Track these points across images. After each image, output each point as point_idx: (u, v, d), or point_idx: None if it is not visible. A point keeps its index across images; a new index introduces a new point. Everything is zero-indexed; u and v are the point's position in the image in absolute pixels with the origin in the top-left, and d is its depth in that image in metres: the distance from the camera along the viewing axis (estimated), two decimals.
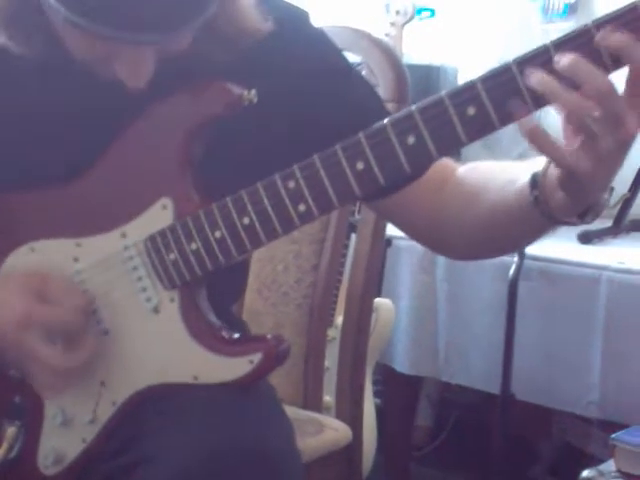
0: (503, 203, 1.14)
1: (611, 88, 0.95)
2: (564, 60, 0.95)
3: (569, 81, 0.95)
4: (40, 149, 1.23)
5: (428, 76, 2.61)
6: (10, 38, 1.14)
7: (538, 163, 1.07)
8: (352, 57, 1.84)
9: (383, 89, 1.71)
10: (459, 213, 1.22)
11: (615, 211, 2.49)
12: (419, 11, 2.92)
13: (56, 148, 1.22)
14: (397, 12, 2.48)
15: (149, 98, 1.17)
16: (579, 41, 0.94)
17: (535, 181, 1.07)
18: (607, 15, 0.94)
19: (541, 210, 1.08)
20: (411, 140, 1.03)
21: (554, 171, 1.04)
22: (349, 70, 1.30)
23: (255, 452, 1.10)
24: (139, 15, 1.04)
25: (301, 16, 1.29)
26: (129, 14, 1.04)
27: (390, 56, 1.74)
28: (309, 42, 1.27)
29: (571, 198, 1.04)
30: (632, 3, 0.92)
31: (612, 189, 2.50)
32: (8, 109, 1.23)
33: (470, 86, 0.99)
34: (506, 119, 0.99)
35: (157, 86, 1.15)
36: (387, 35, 2.47)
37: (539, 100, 0.97)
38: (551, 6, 2.80)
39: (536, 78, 0.96)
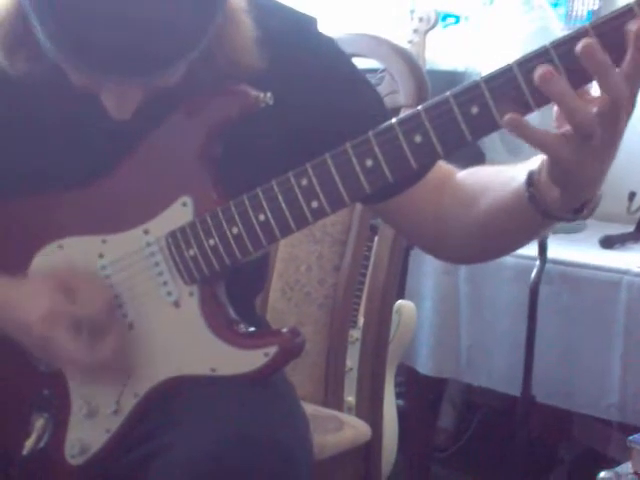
0: (501, 203, 1.16)
1: (625, 90, 0.97)
2: (585, 43, 0.96)
3: (575, 76, 0.98)
4: (68, 153, 1.27)
5: (452, 81, 2.63)
6: (12, 64, 1.17)
7: (534, 162, 1.10)
8: (373, 64, 1.87)
9: (404, 95, 1.74)
10: (459, 215, 1.24)
11: (637, 216, 2.50)
12: (444, 17, 2.94)
13: (83, 151, 1.26)
14: (420, 19, 2.50)
15: (172, 98, 1.19)
16: (577, 42, 0.97)
17: (531, 179, 1.10)
18: (603, 17, 0.97)
19: (537, 207, 1.10)
20: (418, 138, 1.06)
21: (548, 167, 1.06)
22: (355, 76, 1.33)
23: (266, 442, 1.13)
24: (125, 57, 1.05)
25: (309, 23, 1.32)
26: (115, 56, 1.05)
27: (410, 63, 1.76)
28: (317, 48, 1.30)
29: (565, 193, 1.07)
30: (626, 5, 0.95)
31: (634, 194, 2.52)
32: (33, 116, 1.27)
33: (474, 86, 1.02)
34: None
35: (182, 87, 1.18)
36: (410, 42, 2.49)
37: (539, 99, 1.00)
38: (574, 12, 2.82)
39: (543, 75, 0.98)
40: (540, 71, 0.98)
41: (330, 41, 1.33)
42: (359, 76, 1.34)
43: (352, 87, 1.31)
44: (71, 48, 1.06)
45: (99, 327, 1.21)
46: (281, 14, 1.29)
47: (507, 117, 1.00)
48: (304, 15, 1.33)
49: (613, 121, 0.99)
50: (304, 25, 1.31)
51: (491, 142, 2.66)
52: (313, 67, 1.28)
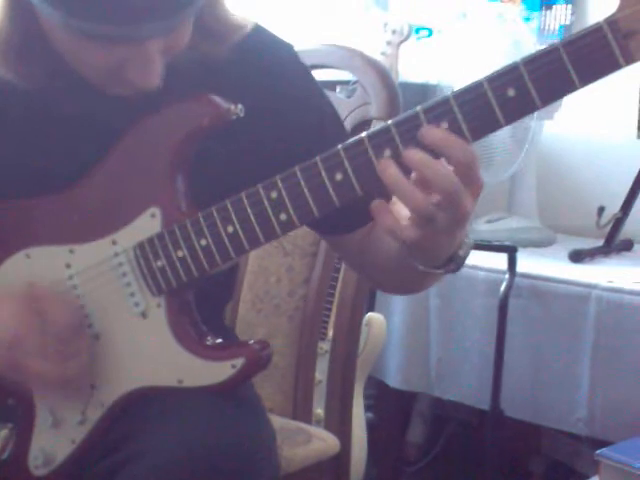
0: (393, 251, 1.22)
1: (457, 182, 1.02)
2: (412, 155, 1.03)
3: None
4: (36, 159, 1.27)
5: (425, 94, 2.64)
6: (14, 72, 1.19)
7: None
8: (346, 75, 1.87)
9: (376, 108, 1.74)
10: (375, 252, 1.30)
11: (606, 230, 2.51)
12: (417, 30, 2.95)
13: (51, 158, 1.26)
14: (393, 31, 2.50)
15: (139, 110, 1.21)
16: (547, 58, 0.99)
17: None
18: (574, 35, 0.98)
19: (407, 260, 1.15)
20: (387, 153, 1.06)
21: None
22: (322, 102, 1.36)
23: (231, 453, 1.13)
24: (136, 7, 1.07)
25: (285, 48, 1.35)
26: (127, 8, 1.07)
27: (383, 75, 1.77)
28: (290, 73, 1.32)
29: (420, 255, 1.13)
30: (596, 23, 0.96)
31: (603, 209, 2.54)
32: (3, 121, 1.27)
33: (444, 101, 1.03)
34: (477, 133, 1.03)
35: (147, 98, 1.19)
36: (383, 54, 2.50)
37: (509, 116, 1.01)
38: (546, 27, 2.84)
39: (388, 172, 1.04)
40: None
41: (303, 68, 1.36)
42: (325, 101, 1.37)
43: (317, 115, 1.34)
44: (87, 13, 1.08)
45: (67, 344, 1.20)
46: (260, 36, 1.31)
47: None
48: (282, 40, 1.35)
49: (453, 206, 1.04)
50: (279, 49, 1.34)
51: None
52: (282, 87, 1.30)
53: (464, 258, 1.15)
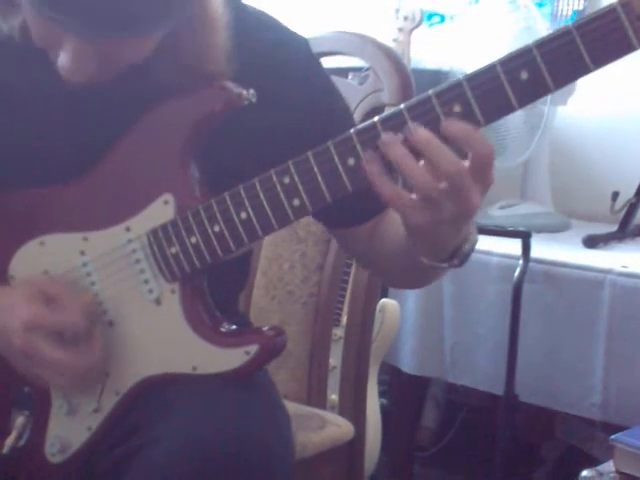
0: (400, 244, 1.22)
1: (460, 168, 1.02)
2: (419, 134, 1.03)
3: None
4: (49, 147, 1.27)
5: (437, 80, 2.63)
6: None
7: None
8: (358, 62, 1.87)
9: (388, 94, 1.74)
10: (382, 246, 1.31)
11: (621, 216, 2.51)
12: (429, 16, 2.95)
13: (64, 146, 1.26)
14: (405, 18, 2.50)
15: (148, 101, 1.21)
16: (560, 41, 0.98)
17: None
18: (586, 17, 0.98)
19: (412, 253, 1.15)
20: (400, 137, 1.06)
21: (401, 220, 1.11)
22: (332, 97, 1.37)
23: (246, 439, 1.13)
24: (88, 8, 1.06)
25: (300, 42, 1.35)
26: (81, 4, 1.06)
27: (396, 62, 1.77)
28: (302, 67, 1.32)
29: (419, 245, 1.13)
30: (609, 5, 0.96)
31: (617, 194, 2.54)
32: (15, 111, 1.27)
33: (456, 84, 1.03)
34: (490, 116, 1.03)
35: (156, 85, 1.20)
36: (395, 41, 2.50)
37: (522, 99, 1.01)
38: (559, 12, 2.82)
39: (383, 141, 1.04)
40: (383, 138, 1.04)
41: (316, 63, 1.36)
42: (336, 96, 1.37)
43: (328, 110, 1.34)
44: None
45: (81, 332, 1.20)
46: (275, 29, 1.32)
47: (370, 167, 1.06)
48: (297, 35, 1.35)
49: (459, 195, 1.03)
50: (295, 44, 1.34)
51: None
52: (294, 81, 1.30)
53: (468, 254, 1.15)
